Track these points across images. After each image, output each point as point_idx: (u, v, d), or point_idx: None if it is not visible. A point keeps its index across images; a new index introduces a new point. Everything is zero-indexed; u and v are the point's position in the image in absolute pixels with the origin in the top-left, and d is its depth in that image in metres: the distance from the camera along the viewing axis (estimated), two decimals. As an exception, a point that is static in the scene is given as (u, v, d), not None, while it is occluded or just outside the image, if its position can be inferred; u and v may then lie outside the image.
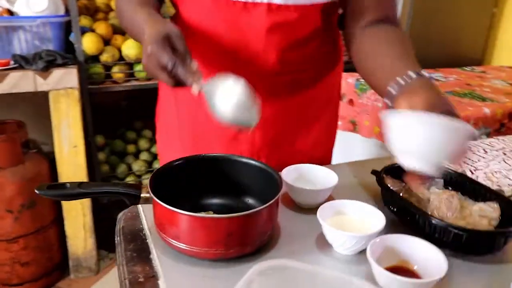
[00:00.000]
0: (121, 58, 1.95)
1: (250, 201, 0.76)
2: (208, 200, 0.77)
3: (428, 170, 0.60)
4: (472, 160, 1.08)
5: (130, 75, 1.99)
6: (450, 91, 1.73)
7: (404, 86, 0.62)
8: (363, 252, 0.66)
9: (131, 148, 2.25)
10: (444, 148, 0.58)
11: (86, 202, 1.88)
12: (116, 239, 0.70)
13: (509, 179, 0.97)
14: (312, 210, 0.78)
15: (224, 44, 0.80)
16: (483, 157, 1.09)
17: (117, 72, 1.94)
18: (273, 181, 0.69)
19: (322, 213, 0.67)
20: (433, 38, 2.49)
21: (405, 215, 0.73)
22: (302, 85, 0.89)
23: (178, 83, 0.63)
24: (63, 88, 1.68)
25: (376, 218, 0.67)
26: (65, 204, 1.86)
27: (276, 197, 0.62)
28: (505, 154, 1.13)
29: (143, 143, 2.26)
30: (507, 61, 2.74)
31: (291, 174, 0.79)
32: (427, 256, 0.58)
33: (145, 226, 0.72)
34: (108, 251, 2.15)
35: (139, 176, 2.23)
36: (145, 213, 0.75)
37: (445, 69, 2.25)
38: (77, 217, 1.88)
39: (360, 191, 0.87)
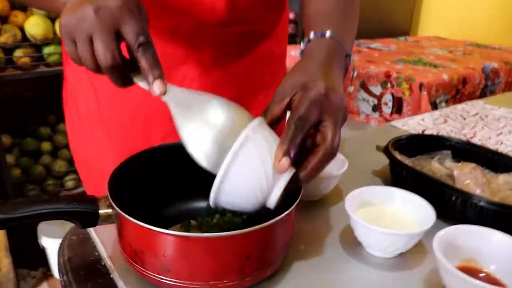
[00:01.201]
0: (24, 39, 1.61)
1: (244, 201, 0.57)
2: (184, 206, 0.57)
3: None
4: (457, 128, 0.98)
5: (38, 59, 1.65)
6: (400, 59, 1.66)
7: (304, 49, 0.61)
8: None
9: (46, 146, 1.91)
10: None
11: (-4, 216, 1.54)
12: (61, 279, 0.48)
13: (506, 144, 0.88)
14: (314, 202, 0.62)
15: None
16: (466, 124, 1.01)
17: (22, 56, 1.60)
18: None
19: (350, 205, 0.51)
20: (365, 9, 2.44)
21: (432, 197, 0.59)
22: (251, 41, 0.77)
23: (114, 66, 0.42)
24: (-50, 77, 1.32)
25: (418, 209, 0.53)
26: (-32, 222, 1.51)
27: (300, 195, 0.44)
28: (482, 119, 1.05)
29: (60, 139, 1.93)
30: (432, 31, 2.80)
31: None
32: (506, 253, 0.44)
33: (104, 255, 0.50)
34: (29, 268, 1.82)
35: (60, 178, 1.91)
36: (99, 235, 0.53)
37: (382, 39, 2.20)
38: (-13, 235, 1.54)
39: (360, 173, 0.73)
